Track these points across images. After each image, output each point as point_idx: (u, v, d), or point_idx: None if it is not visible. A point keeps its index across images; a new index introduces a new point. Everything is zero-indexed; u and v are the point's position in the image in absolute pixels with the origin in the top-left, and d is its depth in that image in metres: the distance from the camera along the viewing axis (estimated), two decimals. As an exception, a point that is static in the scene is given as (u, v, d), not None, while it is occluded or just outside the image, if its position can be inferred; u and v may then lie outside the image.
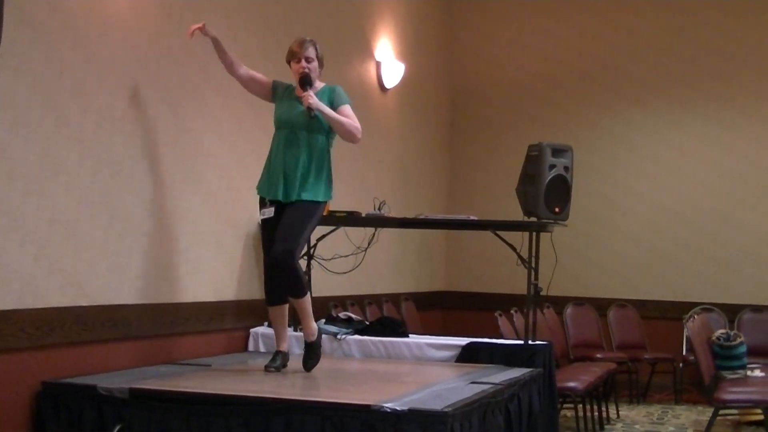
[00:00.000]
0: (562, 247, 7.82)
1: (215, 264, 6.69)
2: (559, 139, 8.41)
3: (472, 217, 7.51)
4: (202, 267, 6.54)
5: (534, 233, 6.94)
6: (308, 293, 5.91)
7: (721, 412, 7.39)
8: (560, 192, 7.12)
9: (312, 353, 5.93)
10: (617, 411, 8.81)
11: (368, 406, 4.62)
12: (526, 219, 7.17)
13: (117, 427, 4.88)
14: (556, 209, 7.07)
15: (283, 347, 6.01)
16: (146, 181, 5.97)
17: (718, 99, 10.49)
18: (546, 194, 7.04)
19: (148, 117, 5.98)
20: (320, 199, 5.85)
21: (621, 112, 10.78)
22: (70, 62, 5.33)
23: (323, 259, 7.28)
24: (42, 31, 5.13)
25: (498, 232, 7.05)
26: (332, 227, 7.21)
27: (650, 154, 10.67)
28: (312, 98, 5.76)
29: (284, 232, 5.70)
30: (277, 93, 6.06)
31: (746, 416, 8.23)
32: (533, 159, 7.18)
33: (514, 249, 6.93)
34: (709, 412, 7.58)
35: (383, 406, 4.58)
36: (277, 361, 5.91)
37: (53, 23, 5.20)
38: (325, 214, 6.17)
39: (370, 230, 7.50)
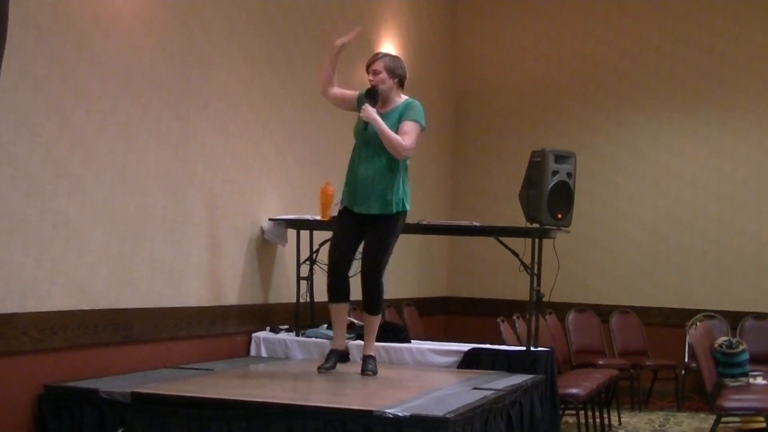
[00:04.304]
0: (564, 253, 7.82)
1: (218, 268, 6.69)
2: (562, 144, 8.40)
3: (474, 223, 7.50)
4: (204, 271, 6.53)
5: (536, 239, 6.93)
6: (381, 314, 6.21)
7: (723, 419, 7.37)
8: (563, 198, 7.11)
9: (371, 361, 6.12)
10: (619, 418, 8.79)
11: (370, 411, 4.62)
12: (528, 225, 7.17)
13: (118, 431, 4.87)
14: (559, 215, 7.06)
15: (338, 345, 6.21)
16: (149, 185, 5.96)
17: (722, 104, 10.49)
18: (549, 200, 7.03)
19: (152, 120, 5.98)
20: (393, 211, 5.94)
21: (624, 118, 10.77)
22: (74, 65, 5.33)
23: (326, 264, 7.25)
24: (46, 33, 5.12)
25: (500, 238, 7.04)
26: (335, 232, 7.19)
27: (653, 160, 10.66)
28: (366, 110, 5.90)
29: (370, 248, 5.99)
30: (359, 105, 6.07)
31: (748, 424, 8.21)
32: (536, 165, 7.17)
33: (516, 255, 6.92)
34: (711, 419, 7.56)
35: (385, 412, 4.57)
36: (330, 362, 6.11)
37: (57, 26, 5.20)
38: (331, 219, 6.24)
39: (372, 235, 7.48)
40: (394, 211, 5.94)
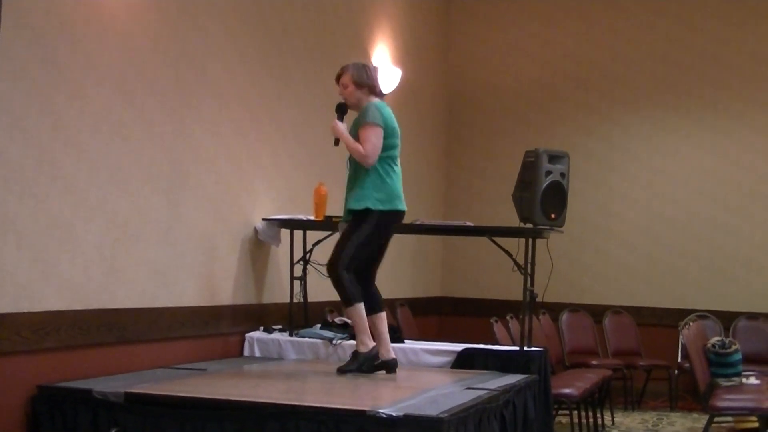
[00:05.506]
0: (557, 253, 7.83)
1: (211, 268, 6.69)
2: (555, 145, 8.40)
3: (468, 223, 7.50)
4: (198, 271, 6.53)
5: (530, 239, 6.94)
6: (356, 305, 6.09)
7: (716, 419, 7.39)
8: (556, 198, 7.12)
9: (353, 359, 6.12)
10: (612, 418, 8.81)
11: (363, 411, 4.62)
12: (522, 225, 7.17)
13: (112, 431, 4.87)
14: (552, 215, 7.07)
15: (360, 348, 6.16)
16: (143, 185, 5.96)
17: (714, 106, 10.51)
18: (542, 200, 7.03)
19: (145, 121, 5.98)
20: (358, 207, 6.01)
21: (617, 119, 10.79)
22: (68, 66, 5.33)
23: (319, 264, 7.27)
24: (39, 35, 5.12)
25: (494, 238, 7.05)
26: (329, 232, 7.20)
27: (646, 161, 10.69)
28: (333, 126, 6.11)
29: (336, 246, 6.13)
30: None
31: (741, 424, 8.23)
32: (529, 165, 7.18)
33: (510, 255, 6.93)
34: (703, 419, 7.58)
35: (378, 412, 4.58)
36: (351, 365, 6.11)
37: (50, 27, 5.20)
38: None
39: (366, 235, 7.49)
40: (361, 208, 6.01)
